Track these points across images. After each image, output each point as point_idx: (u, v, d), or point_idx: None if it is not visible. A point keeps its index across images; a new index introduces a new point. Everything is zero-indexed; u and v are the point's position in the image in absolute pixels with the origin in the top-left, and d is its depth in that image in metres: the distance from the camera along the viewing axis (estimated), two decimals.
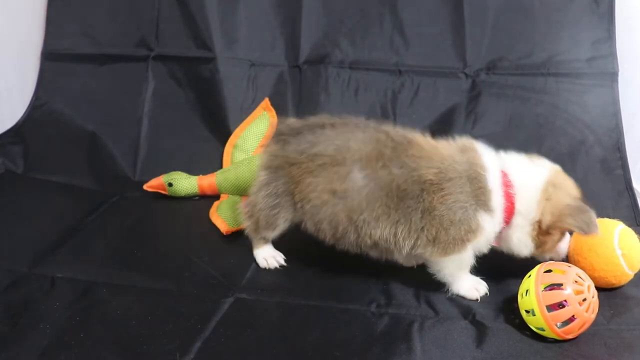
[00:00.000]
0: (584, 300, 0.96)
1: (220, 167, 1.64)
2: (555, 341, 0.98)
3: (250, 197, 1.22)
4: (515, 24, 1.63)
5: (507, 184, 1.06)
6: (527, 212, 1.06)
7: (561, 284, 0.97)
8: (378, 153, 1.07)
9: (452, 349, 0.98)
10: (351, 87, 1.68)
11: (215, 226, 1.40)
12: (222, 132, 1.69)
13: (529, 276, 1.02)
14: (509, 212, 1.07)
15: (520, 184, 1.07)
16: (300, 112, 1.70)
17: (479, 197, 1.05)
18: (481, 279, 1.16)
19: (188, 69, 1.73)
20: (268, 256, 1.23)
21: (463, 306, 1.10)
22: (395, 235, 1.07)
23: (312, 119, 1.19)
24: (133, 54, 1.74)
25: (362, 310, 1.09)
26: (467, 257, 1.09)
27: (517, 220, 1.07)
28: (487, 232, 1.07)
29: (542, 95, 1.60)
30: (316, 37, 1.70)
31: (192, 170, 1.58)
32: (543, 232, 1.07)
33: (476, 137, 1.17)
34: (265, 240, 1.24)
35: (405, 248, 1.08)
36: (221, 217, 1.42)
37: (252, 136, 1.66)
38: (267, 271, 1.22)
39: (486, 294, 1.13)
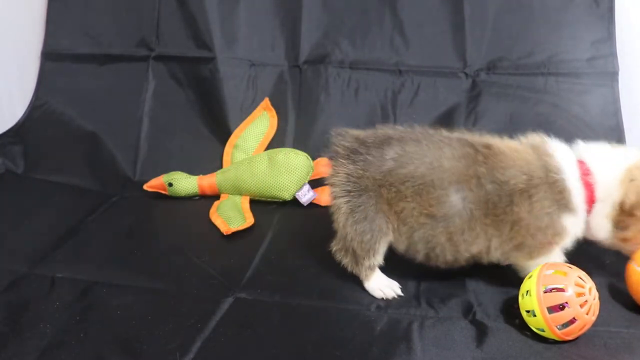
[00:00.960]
0: (585, 302, 0.95)
1: (221, 167, 1.64)
2: (555, 342, 0.98)
3: (338, 232, 1.13)
4: (515, 23, 1.63)
5: (585, 173, 1.05)
6: (607, 194, 1.04)
7: (562, 286, 0.97)
8: (472, 171, 1.03)
9: (452, 348, 0.98)
10: (351, 87, 1.68)
11: (215, 226, 1.40)
12: (222, 132, 1.69)
13: (530, 277, 1.01)
14: (590, 200, 1.05)
15: (599, 169, 1.05)
16: (301, 112, 1.70)
17: (560, 200, 1.03)
18: (481, 278, 1.16)
19: (188, 69, 1.73)
20: (383, 286, 1.13)
21: (463, 306, 1.09)
22: (488, 248, 1.06)
23: (383, 130, 1.10)
24: (133, 54, 1.74)
25: (362, 310, 1.09)
26: (554, 257, 1.08)
27: (597, 206, 1.06)
28: (572, 232, 1.06)
29: (542, 94, 1.59)
30: (316, 37, 1.70)
31: (192, 170, 1.58)
32: (626, 214, 1.04)
33: None
34: (371, 269, 1.13)
35: (495, 256, 1.09)
36: (221, 217, 1.42)
37: (252, 136, 1.66)
38: (267, 271, 1.22)
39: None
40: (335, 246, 1.15)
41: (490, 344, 0.98)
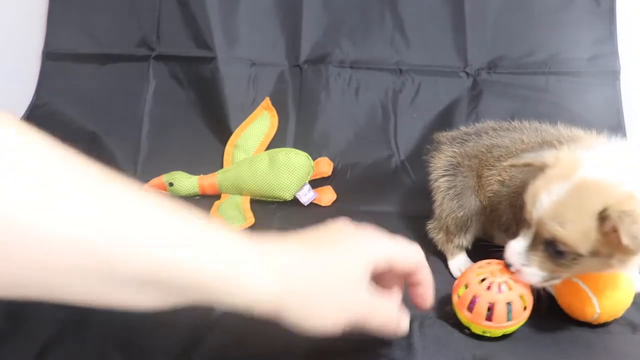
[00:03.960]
0: (490, 283, 0.93)
1: (221, 166, 1.64)
2: (554, 342, 0.97)
3: (435, 211, 1.21)
4: (516, 23, 1.63)
5: None
6: None
7: (465, 284, 0.96)
8: (542, 141, 1.07)
9: (452, 347, 0.97)
10: (352, 87, 1.68)
11: None
12: (222, 132, 1.69)
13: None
14: None
15: None
16: (301, 112, 1.70)
17: None
18: None
19: (189, 68, 1.73)
20: (462, 266, 1.18)
21: None
22: None
23: (490, 123, 1.20)
24: (134, 53, 1.74)
25: None
26: None
27: None
28: None
29: (543, 94, 1.59)
30: (317, 36, 1.70)
31: (192, 170, 1.58)
32: None
33: None
34: (459, 249, 1.20)
35: None
36: (222, 217, 1.42)
37: (253, 136, 1.66)
38: None
39: None
40: (430, 224, 1.23)
41: (490, 343, 0.98)
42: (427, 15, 1.65)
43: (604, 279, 0.97)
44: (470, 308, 0.95)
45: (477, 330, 0.96)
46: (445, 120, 1.61)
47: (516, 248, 0.92)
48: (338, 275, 0.66)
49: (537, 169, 0.93)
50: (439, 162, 1.20)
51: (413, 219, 1.43)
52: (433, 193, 1.22)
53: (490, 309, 0.93)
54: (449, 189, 1.17)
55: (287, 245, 0.66)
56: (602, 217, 0.82)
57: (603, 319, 0.98)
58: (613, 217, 0.80)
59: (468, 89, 1.64)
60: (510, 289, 0.93)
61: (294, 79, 1.71)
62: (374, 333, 0.68)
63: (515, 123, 1.17)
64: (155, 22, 1.73)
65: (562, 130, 1.10)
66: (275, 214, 1.48)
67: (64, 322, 1.03)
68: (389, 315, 0.71)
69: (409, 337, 0.99)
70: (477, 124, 1.22)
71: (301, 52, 1.70)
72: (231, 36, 1.71)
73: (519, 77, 1.61)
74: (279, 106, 1.69)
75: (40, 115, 1.74)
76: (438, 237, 1.22)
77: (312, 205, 1.51)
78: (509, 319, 0.93)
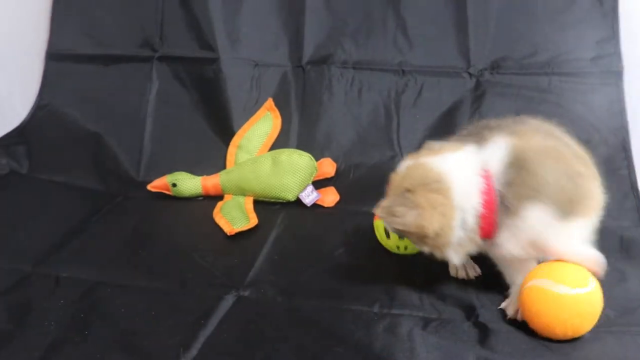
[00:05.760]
0: None
1: (224, 167, 1.64)
2: (557, 344, 0.97)
3: None
4: (518, 23, 1.62)
5: None
6: None
7: None
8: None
9: (454, 350, 0.98)
10: (354, 87, 1.68)
11: (219, 226, 1.40)
12: (225, 133, 1.69)
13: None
14: None
15: None
16: (304, 113, 1.70)
17: None
18: (482, 279, 1.16)
19: (192, 69, 1.73)
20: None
21: (466, 308, 1.09)
22: None
23: (507, 120, 1.15)
24: (137, 54, 1.75)
25: (365, 310, 1.08)
26: None
27: None
28: None
29: (546, 94, 1.59)
30: (319, 37, 1.70)
31: (195, 171, 1.59)
32: None
33: None
34: None
35: None
36: (225, 218, 1.42)
37: (256, 137, 1.66)
38: (271, 271, 1.22)
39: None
40: None
41: (493, 346, 0.98)
42: (430, 16, 1.65)
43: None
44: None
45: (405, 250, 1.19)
46: (448, 121, 1.61)
47: (381, 203, 1.03)
48: None
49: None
50: None
51: None
52: None
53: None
54: None
55: None
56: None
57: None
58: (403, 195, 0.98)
59: (471, 89, 1.64)
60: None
61: (297, 80, 1.71)
62: None
63: (514, 120, 1.12)
64: (158, 23, 1.74)
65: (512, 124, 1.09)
66: (278, 214, 1.48)
67: (68, 322, 1.04)
68: None
69: (411, 340, 1.00)
70: (505, 119, 1.15)
71: (304, 53, 1.71)
72: (234, 37, 1.71)
73: (521, 78, 1.61)
74: (282, 107, 1.70)
75: (43, 115, 1.75)
76: None
77: (316, 206, 1.51)
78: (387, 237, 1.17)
